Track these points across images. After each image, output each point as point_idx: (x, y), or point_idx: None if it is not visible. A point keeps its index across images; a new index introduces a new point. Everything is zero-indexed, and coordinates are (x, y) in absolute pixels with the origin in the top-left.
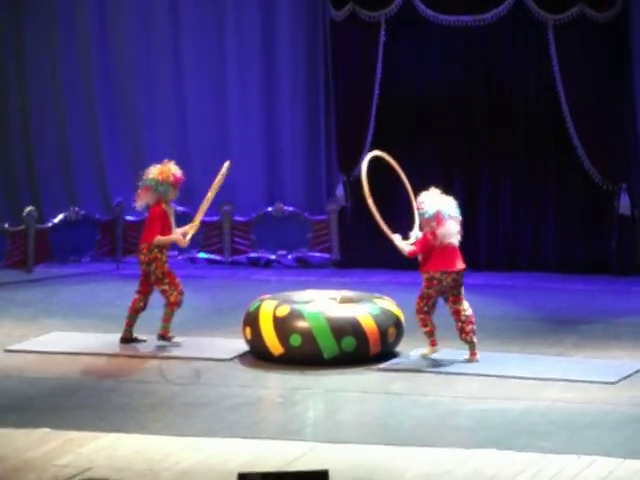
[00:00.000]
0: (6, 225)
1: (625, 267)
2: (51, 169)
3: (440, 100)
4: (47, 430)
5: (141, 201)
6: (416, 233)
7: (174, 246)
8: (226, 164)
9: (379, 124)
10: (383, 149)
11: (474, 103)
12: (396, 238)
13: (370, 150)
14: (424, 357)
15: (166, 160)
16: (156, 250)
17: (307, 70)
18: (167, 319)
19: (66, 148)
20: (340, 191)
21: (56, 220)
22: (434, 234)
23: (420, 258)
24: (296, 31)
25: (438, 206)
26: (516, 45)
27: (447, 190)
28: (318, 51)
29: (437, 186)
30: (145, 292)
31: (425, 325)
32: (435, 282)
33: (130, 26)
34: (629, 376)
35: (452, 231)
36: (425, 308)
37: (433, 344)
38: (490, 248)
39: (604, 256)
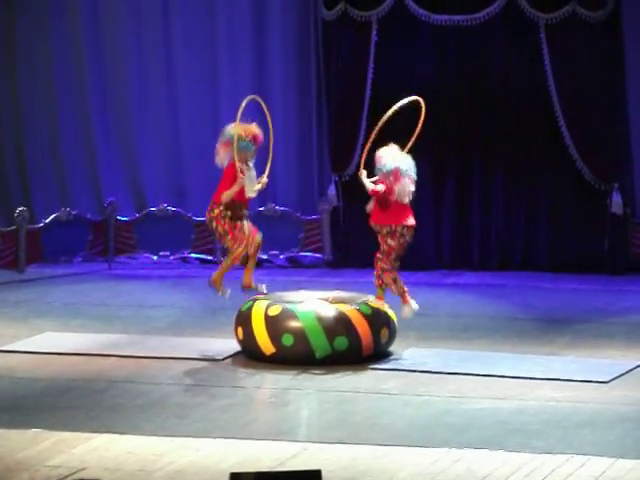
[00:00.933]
0: None
1: (618, 266)
2: (43, 169)
3: (432, 99)
4: (39, 430)
5: (220, 157)
6: None
7: (170, 246)
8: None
9: (371, 124)
10: (375, 149)
11: (466, 102)
12: (363, 174)
13: (362, 150)
14: (411, 313)
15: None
16: (221, 208)
17: (299, 70)
18: (224, 267)
19: (58, 148)
20: (332, 191)
21: (48, 220)
22: (390, 190)
23: (372, 207)
24: (287, 31)
25: (397, 162)
26: (508, 44)
27: (440, 189)
28: (310, 51)
29: (430, 185)
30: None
31: (397, 283)
32: (401, 236)
33: (122, 27)
34: (622, 375)
35: (408, 189)
36: (396, 265)
37: (406, 301)
38: (483, 248)
39: (597, 255)
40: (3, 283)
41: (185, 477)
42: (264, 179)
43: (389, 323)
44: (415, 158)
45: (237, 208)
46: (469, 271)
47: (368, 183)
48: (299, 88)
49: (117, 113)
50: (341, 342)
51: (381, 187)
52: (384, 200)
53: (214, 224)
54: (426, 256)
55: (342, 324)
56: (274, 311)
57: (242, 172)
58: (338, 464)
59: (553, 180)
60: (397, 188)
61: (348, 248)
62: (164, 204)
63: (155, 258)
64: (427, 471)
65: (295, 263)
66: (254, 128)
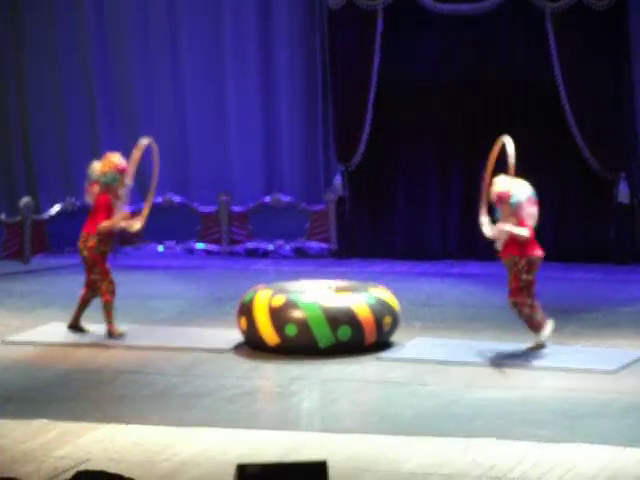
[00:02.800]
0: (2, 216)
1: (624, 255)
2: (48, 160)
3: (438, 89)
4: (45, 421)
5: (89, 196)
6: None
7: (176, 237)
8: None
9: (377, 113)
10: (381, 138)
11: (472, 92)
12: (490, 226)
13: (368, 140)
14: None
15: (108, 153)
16: (95, 239)
17: (304, 59)
18: (108, 312)
19: (63, 138)
20: (338, 181)
21: (53, 211)
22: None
23: (504, 240)
24: (293, 20)
25: (526, 191)
26: (514, 33)
27: (446, 179)
28: (315, 40)
29: (436, 175)
30: (89, 283)
31: (536, 311)
32: (535, 267)
33: (128, 22)
34: (629, 365)
35: (536, 214)
36: (529, 300)
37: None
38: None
39: (603, 245)
40: (8, 274)
41: (191, 468)
42: (144, 213)
43: (392, 311)
44: (420, 145)
45: (109, 242)
46: (475, 261)
47: (514, 229)
48: (305, 77)
49: (122, 102)
50: (344, 331)
51: (526, 232)
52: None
53: (85, 253)
54: (431, 246)
55: (345, 313)
56: (277, 301)
57: (110, 203)
58: (344, 454)
59: (559, 170)
60: (532, 213)
61: (354, 238)
62: (169, 194)
63: (160, 249)
64: (434, 461)
65: (301, 253)
66: (114, 159)
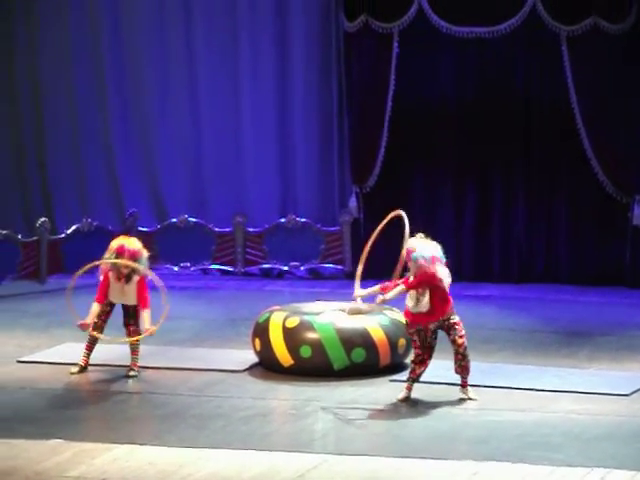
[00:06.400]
0: (19, 236)
1: (639, 279)
2: (64, 180)
3: (453, 112)
4: (60, 441)
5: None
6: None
7: (191, 257)
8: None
9: (392, 136)
10: (396, 161)
11: (487, 115)
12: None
13: (383, 162)
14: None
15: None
16: None
17: (320, 82)
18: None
19: (79, 159)
20: (353, 202)
21: (69, 231)
22: (434, 275)
23: (429, 305)
24: (309, 43)
25: (431, 250)
26: (530, 57)
27: (460, 201)
28: (331, 63)
29: (450, 197)
30: None
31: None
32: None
33: (144, 40)
34: None
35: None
36: None
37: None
38: (503, 260)
39: (618, 268)
40: (24, 294)
41: None
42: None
43: (406, 335)
44: (435, 168)
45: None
46: (489, 283)
47: (396, 290)
48: (320, 99)
49: (138, 124)
50: (359, 354)
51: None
52: (438, 289)
53: None
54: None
55: (359, 336)
56: (292, 323)
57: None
58: (358, 476)
59: (574, 192)
60: (441, 273)
61: (369, 260)
62: (185, 215)
63: (176, 269)
64: None
65: (316, 274)
66: (118, 242)
